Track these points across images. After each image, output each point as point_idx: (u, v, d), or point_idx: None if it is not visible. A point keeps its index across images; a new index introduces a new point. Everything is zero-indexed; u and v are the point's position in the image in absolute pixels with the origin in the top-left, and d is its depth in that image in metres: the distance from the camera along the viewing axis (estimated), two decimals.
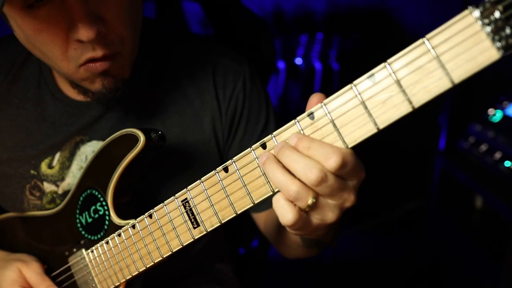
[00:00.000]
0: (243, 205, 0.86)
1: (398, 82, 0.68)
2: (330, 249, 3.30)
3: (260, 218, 1.38)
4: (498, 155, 2.36)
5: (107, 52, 1.01)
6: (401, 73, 0.67)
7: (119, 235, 1.07)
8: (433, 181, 2.92)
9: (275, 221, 1.23)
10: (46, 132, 1.26)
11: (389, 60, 0.68)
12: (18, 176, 1.28)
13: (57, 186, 1.27)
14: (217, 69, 1.31)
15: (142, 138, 1.05)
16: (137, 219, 1.03)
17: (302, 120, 0.77)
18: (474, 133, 2.60)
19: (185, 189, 0.93)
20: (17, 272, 1.16)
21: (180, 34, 1.36)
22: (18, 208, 1.30)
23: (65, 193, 1.27)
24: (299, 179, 0.74)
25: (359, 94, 0.71)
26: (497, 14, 0.59)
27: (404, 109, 0.68)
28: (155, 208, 0.99)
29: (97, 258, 1.13)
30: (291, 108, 3.80)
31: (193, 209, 0.92)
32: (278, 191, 0.83)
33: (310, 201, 0.74)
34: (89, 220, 1.14)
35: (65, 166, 1.26)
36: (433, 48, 0.64)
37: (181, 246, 0.97)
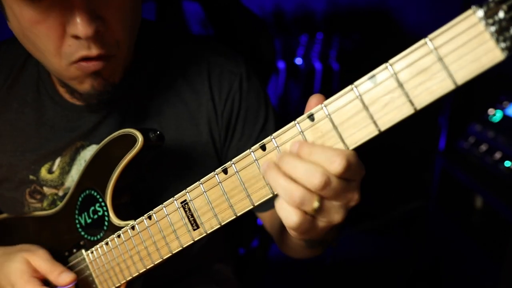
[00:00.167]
0: (243, 207, 0.86)
1: (400, 83, 0.67)
2: (330, 249, 3.30)
3: (265, 217, 1.37)
4: (498, 155, 2.36)
5: (102, 53, 1.00)
6: (403, 74, 0.66)
7: (119, 236, 1.07)
8: (433, 181, 2.92)
9: (279, 222, 1.22)
10: (45, 137, 1.26)
11: (391, 61, 0.67)
12: (17, 181, 1.27)
13: (58, 189, 1.27)
14: (212, 70, 1.30)
15: (140, 138, 1.05)
16: (136, 220, 1.03)
17: (302, 122, 0.76)
18: (474, 133, 2.60)
19: (184, 190, 0.92)
20: (25, 263, 1.11)
21: (178, 35, 1.36)
22: (19, 212, 1.30)
23: (66, 195, 1.26)
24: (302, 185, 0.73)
25: (360, 95, 0.70)
26: (501, 14, 0.58)
27: (406, 111, 0.68)
28: (154, 210, 0.99)
29: (97, 259, 1.13)
30: (291, 108, 3.80)
31: (193, 211, 0.91)
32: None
33: (315, 204, 0.73)
34: (89, 220, 1.14)
35: (65, 171, 1.25)
36: (435, 49, 0.63)
37: (180, 248, 0.97)
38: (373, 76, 0.69)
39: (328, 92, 0.74)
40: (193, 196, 0.91)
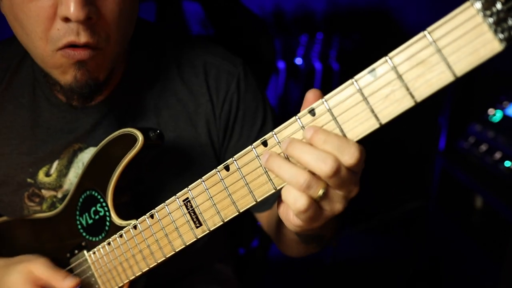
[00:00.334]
0: (245, 204, 0.86)
1: (400, 76, 0.67)
2: (330, 249, 3.30)
3: (262, 218, 1.37)
4: (498, 155, 2.36)
5: (90, 42, 0.98)
6: (402, 67, 0.67)
7: (121, 236, 1.07)
8: (433, 181, 2.92)
9: (276, 221, 1.22)
10: (42, 139, 1.25)
11: (390, 54, 0.68)
12: (15, 185, 1.26)
13: (56, 192, 1.26)
14: (209, 71, 1.29)
15: (140, 137, 1.05)
16: (138, 220, 1.03)
17: (303, 117, 0.76)
18: (474, 133, 2.60)
19: (186, 188, 0.92)
20: (25, 273, 1.11)
21: (175, 36, 1.35)
22: (18, 215, 1.29)
23: (65, 196, 1.26)
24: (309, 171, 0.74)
25: (361, 89, 0.71)
26: (499, 6, 0.58)
27: (406, 104, 0.68)
28: (156, 208, 0.99)
29: (99, 260, 1.13)
30: (291, 108, 3.79)
31: (195, 208, 0.92)
32: (281, 188, 0.83)
33: (320, 191, 0.74)
34: (90, 221, 1.14)
35: (63, 174, 1.25)
36: (434, 41, 0.64)
37: (184, 246, 0.97)
38: (373, 69, 0.69)
39: (328, 92, 0.74)
40: (195, 193, 0.91)
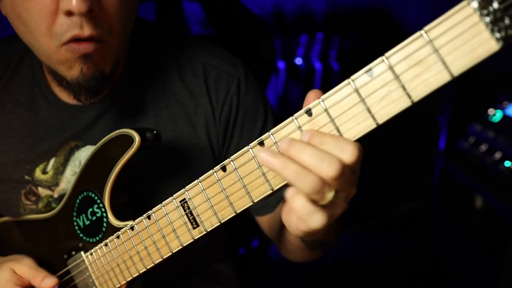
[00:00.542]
0: (242, 204, 0.86)
1: (396, 76, 0.67)
2: (330, 249, 3.29)
3: (263, 221, 1.36)
4: (498, 155, 2.36)
5: (94, 34, 0.99)
6: (399, 67, 0.67)
7: (118, 237, 1.06)
8: (433, 181, 2.92)
9: (279, 225, 1.20)
10: (39, 137, 1.25)
11: (387, 54, 0.67)
12: (13, 182, 1.27)
13: (52, 191, 1.26)
14: (209, 73, 1.29)
15: (137, 138, 1.04)
16: (135, 221, 1.03)
17: (300, 117, 0.76)
18: (474, 133, 2.60)
19: (183, 189, 0.92)
20: (10, 272, 1.15)
21: (175, 36, 1.35)
22: (15, 213, 1.29)
23: (61, 196, 1.26)
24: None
25: (357, 89, 0.70)
26: (495, 5, 0.58)
27: (403, 104, 0.68)
28: (153, 209, 0.98)
29: (96, 261, 1.12)
30: (291, 108, 3.79)
31: (192, 209, 0.91)
32: (278, 189, 0.82)
33: (330, 195, 0.70)
34: (87, 222, 1.14)
35: (59, 171, 1.25)
36: (431, 40, 0.63)
37: (181, 247, 0.97)
38: (370, 69, 0.69)
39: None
40: (192, 194, 0.91)
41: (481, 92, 2.79)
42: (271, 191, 0.81)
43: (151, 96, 1.26)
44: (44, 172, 1.25)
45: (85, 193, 1.14)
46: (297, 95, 3.87)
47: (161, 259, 1.00)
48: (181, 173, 1.26)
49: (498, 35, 0.59)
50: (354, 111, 0.71)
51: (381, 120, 0.69)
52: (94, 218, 1.12)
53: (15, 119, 1.27)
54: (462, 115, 2.81)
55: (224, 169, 0.85)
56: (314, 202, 0.71)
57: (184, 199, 0.92)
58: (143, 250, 1.02)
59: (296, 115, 0.76)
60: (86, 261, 1.15)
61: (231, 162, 0.84)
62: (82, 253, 1.15)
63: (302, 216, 0.72)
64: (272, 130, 0.79)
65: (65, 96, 1.24)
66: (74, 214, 1.16)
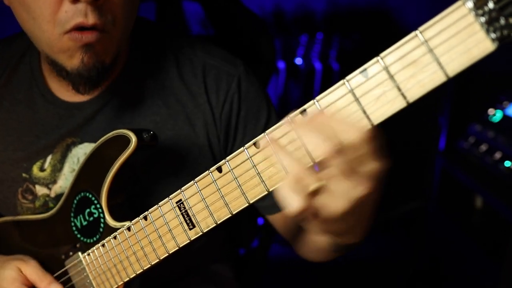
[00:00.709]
0: (238, 205, 0.86)
1: (391, 77, 0.66)
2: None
3: (277, 220, 1.33)
4: (498, 155, 2.36)
5: (98, 23, 0.99)
6: (394, 67, 0.66)
7: (115, 237, 1.07)
8: (433, 181, 2.92)
9: (295, 224, 1.20)
10: (37, 134, 1.26)
11: (382, 54, 0.67)
12: (10, 180, 1.27)
13: (49, 189, 1.26)
14: (208, 72, 1.28)
15: (133, 139, 1.04)
16: (132, 221, 1.03)
17: (295, 118, 0.76)
18: (474, 133, 2.60)
19: (179, 190, 0.92)
20: (17, 271, 1.15)
21: (176, 36, 1.35)
22: (12, 212, 1.30)
23: (58, 196, 1.26)
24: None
25: (352, 89, 0.70)
26: (490, 5, 0.58)
27: (398, 105, 0.67)
28: (149, 210, 0.99)
29: (93, 262, 1.12)
30: (291, 108, 3.77)
31: (188, 210, 0.91)
32: (273, 190, 0.82)
33: (316, 184, 0.70)
34: (84, 223, 1.14)
35: (57, 168, 1.25)
36: (426, 41, 0.63)
37: (177, 248, 0.97)
38: (365, 70, 0.69)
39: None
40: (188, 195, 0.91)
41: (481, 92, 2.79)
42: (266, 192, 0.81)
43: (150, 94, 1.26)
44: (41, 169, 1.25)
45: (82, 194, 1.13)
46: (297, 95, 3.87)
47: (158, 260, 1.00)
48: (179, 173, 1.26)
49: (493, 35, 0.58)
50: (349, 111, 0.71)
51: (376, 121, 0.69)
52: (91, 218, 1.12)
53: (13, 118, 1.27)
54: (462, 115, 2.81)
55: (219, 169, 0.85)
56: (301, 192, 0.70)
57: (180, 199, 0.92)
58: (139, 250, 1.02)
59: (291, 116, 0.76)
60: (84, 262, 1.15)
61: (227, 162, 0.84)
62: (80, 253, 1.15)
63: (281, 200, 0.72)
64: (267, 131, 0.78)
65: (63, 94, 1.24)
66: (72, 214, 1.16)
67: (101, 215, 1.10)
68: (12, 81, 1.29)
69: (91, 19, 0.98)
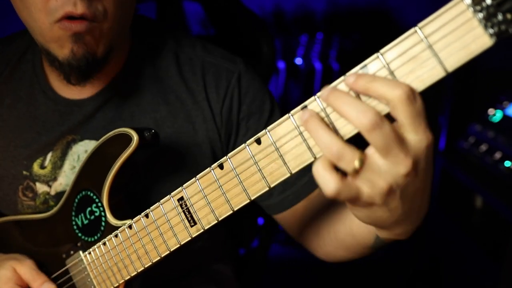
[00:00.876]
0: (239, 202, 0.86)
1: (391, 72, 0.67)
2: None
3: (287, 218, 1.29)
4: (498, 155, 2.36)
5: (87, 13, 1.00)
6: (394, 63, 0.67)
7: (116, 236, 1.06)
8: (433, 181, 2.91)
9: (316, 211, 1.16)
10: (37, 131, 1.26)
11: (382, 51, 0.67)
12: (11, 177, 1.28)
13: (50, 186, 1.26)
14: (207, 70, 1.29)
15: (135, 137, 1.04)
16: (133, 219, 1.03)
17: (296, 114, 0.76)
18: (474, 133, 2.60)
19: (180, 187, 0.92)
20: (11, 270, 1.15)
21: (176, 34, 1.35)
22: (13, 209, 1.30)
23: (58, 194, 1.26)
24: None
25: None
26: (488, 1, 0.58)
27: None
28: (151, 208, 0.98)
29: (95, 260, 1.12)
30: (291, 108, 3.77)
31: (190, 207, 0.91)
32: (275, 186, 0.82)
33: (357, 163, 0.67)
34: (85, 221, 1.13)
35: (57, 166, 1.25)
36: (425, 37, 0.64)
37: (179, 245, 0.97)
38: (365, 66, 0.69)
39: None
40: (190, 192, 0.91)
41: (481, 92, 2.79)
42: (267, 188, 0.81)
43: (150, 92, 1.26)
44: (42, 166, 1.26)
45: (83, 193, 1.13)
46: (297, 95, 3.87)
47: (159, 258, 1.00)
48: (179, 170, 1.26)
49: (491, 31, 0.59)
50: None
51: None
52: (92, 217, 1.12)
53: (14, 115, 1.28)
54: (462, 115, 2.81)
55: (221, 166, 0.86)
56: (338, 173, 0.68)
57: (182, 197, 0.92)
58: (141, 248, 1.02)
59: (292, 112, 0.76)
60: (85, 261, 1.14)
61: (228, 159, 0.84)
62: (81, 252, 1.15)
63: (317, 180, 0.69)
64: (268, 128, 0.78)
65: (64, 91, 1.25)
66: (73, 213, 1.15)
67: (102, 213, 1.10)
68: (13, 79, 1.29)
69: (80, 8, 0.99)
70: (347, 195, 0.69)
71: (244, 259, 2.08)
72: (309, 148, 0.75)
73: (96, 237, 1.12)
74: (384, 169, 0.68)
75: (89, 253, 1.13)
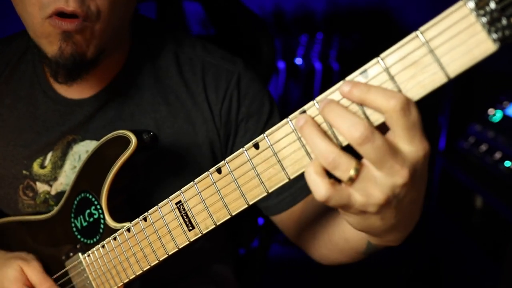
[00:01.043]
0: (237, 207, 0.85)
1: (392, 78, 0.66)
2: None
3: (284, 219, 1.29)
4: (498, 155, 2.36)
5: (78, 11, 0.98)
6: (394, 68, 0.65)
7: (115, 238, 1.06)
8: (433, 181, 2.92)
9: (313, 214, 1.16)
10: (38, 131, 1.26)
11: (382, 55, 0.66)
12: (11, 177, 1.27)
13: (50, 186, 1.26)
14: (207, 71, 1.29)
15: (133, 140, 1.03)
16: (132, 222, 1.02)
17: (295, 119, 0.74)
18: (474, 133, 2.60)
19: (178, 191, 0.91)
20: (19, 270, 1.14)
21: (176, 34, 1.35)
22: (13, 208, 1.30)
23: (58, 193, 1.26)
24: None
25: None
26: (492, 5, 0.57)
27: None
28: (149, 211, 0.98)
29: (94, 263, 1.12)
30: (291, 108, 3.79)
31: (188, 211, 0.91)
32: (273, 192, 0.82)
33: (352, 172, 0.66)
34: (84, 224, 1.13)
35: (58, 165, 1.25)
36: (427, 41, 0.62)
37: (177, 249, 0.96)
38: (365, 70, 0.68)
39: None
40: (188, 196, 0.90)
41: (481, 92, 2.78)
42: (266, 194, 0.81)
43: (150, 92, 1.26)
44: (42, 166, 1.25)
45: (82, 195, 1.13)
46: (297, 95, 3.87)
47: (157, 261, 1.00)
48: (179, 172, 1.26)
49: (495, 36, 0.58)
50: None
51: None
52: (91, 219, 1.11)
53: (14, 114, 1.27)
54: (462, 115, 2.81)
55: (219, 171, 0.85)
56: (328, 179, 0.68)
57: (180, 201, 0.91)
58: (139, 251, 1.02)
59: (291, 116, 0.75)
60: (84, 263, 1.14)
61: (226, 164, 0.83)
62: (80, 254, 1.15)
63: (308, 184, 0.69)
64: (266, 132, 0.77)
65: (64, 91, 1.25)
66: (72, 215, 1.15)
67: (101, 216, 1.09)
68: (13, 79, 1.29)
69: (71, 5, 0.97)
70: (338, 201, 0.69)
71: (244, 259, 2.08)
72: (308, 154, 0.74)
73: (95, 239, 1.11)
74: (380, 180, 0.67)
75: (88, 255, 1.13)
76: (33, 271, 1.15)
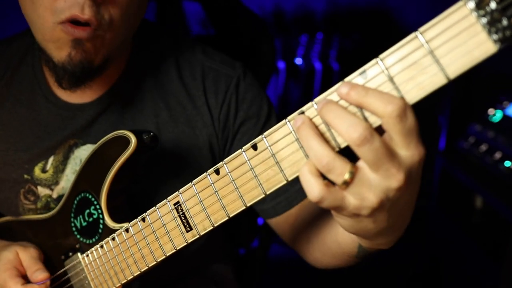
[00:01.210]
0: (235, 208, 0.85)
1: (391, 79, 0.65)
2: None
3: (279, 223, 1.29)
4: (498, 155, 2.36)
5: (93, 20, 0.98)
6: (394, 69, 0.65)
7: (113, 239, 1.06)
8: (433, 181, 2.92)
9: (308, 218, 1.16)
10: (39, 136, 1.25)
11: (381, 56, 0.65)
12: (12, 181, 1.27)
13: (52, 190, 1.26)
14: (207, 75, 1.29)
15: (133, 140, 1.03)
16: (130, 223, 1.02)
17: (294, 120, 0.74)
18: (474, 133, 2.60)
19: (177, 192, 0.91)
20: (14, 254, 1.14)
21: (176, 38, 1.35)
22: (14, 212, 1.29)
23: (60, 197, 1.26)
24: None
25: None
26: (493, 5, 0.56)
27: None
28: (147, 212, 0.98)
29: (92, 263, 1.12)
30: (291, 108, 3.80)
31: (186, 212, 0.90)
32: (271, 193, 0.81)
33: (347, 175, 0.66)
34: (84, 223, 1.13)
35: (59, 170, 1.25)
36: (427, 42, 0.62)
37: (174, 250, 0.96)
38: (364, 71, 0.67)
39: None
40: (186, 197, 0.90)
41: (481, 92, 2.79)
42: (263, 195, 0.80)
43: (151, 96, 1.26)
44: (43, 170, 1.25)
45: (82, 194, 1.13)
46: (297, 95, 3.87)
47: (155, 262, 1.00)
48: (179, 174, 1.26)
49: (495, 36, 0.57)
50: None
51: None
52: (91, 219, 1.11)
53: (15, 118, 1.27)
54: (462, 115, 2.81)
55: (217, 172, 0.84)
56: (322, 179, 0.68)
57: (178, 201, 0.91)
58: (137, 252, 1.01)
59: (289, 118, 0.75)
60: (83, 263, 1.14)
61: (224, 165, 0.83)
62: (79, 254, 1.15)
63: (302, 184, 0.70)
64: (265, 134, 0.77)
65: (65, 95, 1.24)
66: (72, 215, 1.15)
67: (101, 216, 1.09)
68: (13, 82, 1.29)
69: (87, 14, 0.97)
70: (331, 203, 0.69)
71: (244, 259, 2.08)
72: (306, 156, 0.73)
73: (94, 239, 1.11)
74: (375, 183, 0.67)
75: (87, 255, 1.13)
76: (27, 255, 1.14)
